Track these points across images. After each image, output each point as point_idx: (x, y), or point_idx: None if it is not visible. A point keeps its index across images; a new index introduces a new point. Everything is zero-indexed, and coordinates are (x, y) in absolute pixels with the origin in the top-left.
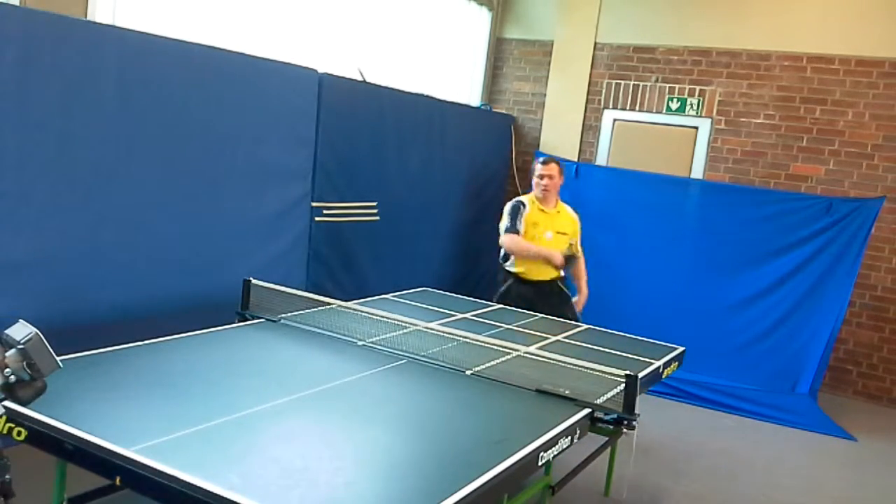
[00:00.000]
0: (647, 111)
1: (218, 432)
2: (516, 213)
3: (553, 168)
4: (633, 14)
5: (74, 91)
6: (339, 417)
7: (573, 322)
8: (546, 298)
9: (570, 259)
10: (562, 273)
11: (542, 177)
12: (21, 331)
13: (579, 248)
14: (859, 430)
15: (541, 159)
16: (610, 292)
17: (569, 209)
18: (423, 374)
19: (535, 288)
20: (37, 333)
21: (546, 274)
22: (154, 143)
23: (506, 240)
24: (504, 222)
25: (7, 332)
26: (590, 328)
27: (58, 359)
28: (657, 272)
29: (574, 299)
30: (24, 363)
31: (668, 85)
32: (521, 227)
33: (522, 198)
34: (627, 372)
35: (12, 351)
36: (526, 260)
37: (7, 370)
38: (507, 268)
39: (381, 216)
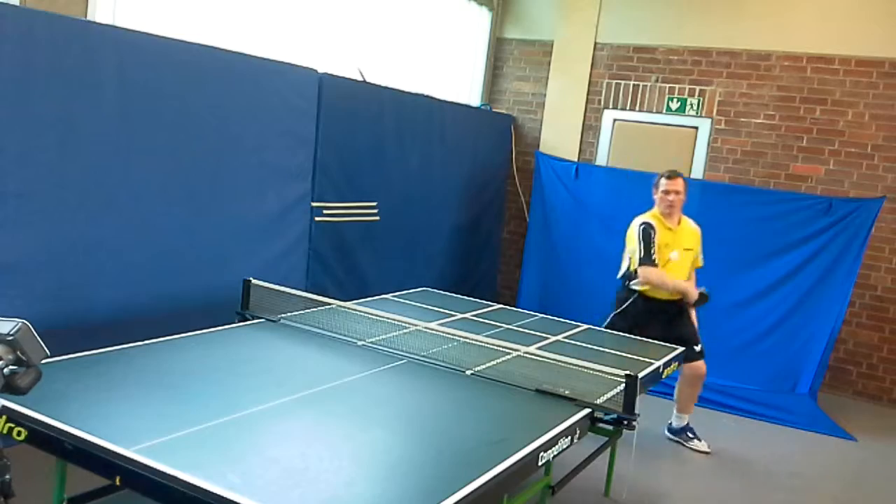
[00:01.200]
0: (647, 111)
1: (218, 432)
2: (649, 239)
3: (680, 183)
4: (633, 14)
5: (74, 91)
6: (339, 417)
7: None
8: (664, 316)
9: (702, 298)
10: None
11: (668, 192)
12: (6, 325)
13: (700, 262)
14: (859, 430)
15: (665, 173)
16: (610, 292)
17: (690, 222)
18: (423, 374)
19: (658, 305)
20: (24, 323)
21: (671, 294)
22: (154, 144)
23: (648, 274)
24: (639, 250)
25: None
26: (590, 328)
27: (44, 345)
28: None
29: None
30: (17, 354)
31: (668, 85)
32: (655, 253)
33: (647, 217)
34: (627, 372)
35: (1, 345)
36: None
37: (0, 362)
38: (632, 286)
39: (381, 216)
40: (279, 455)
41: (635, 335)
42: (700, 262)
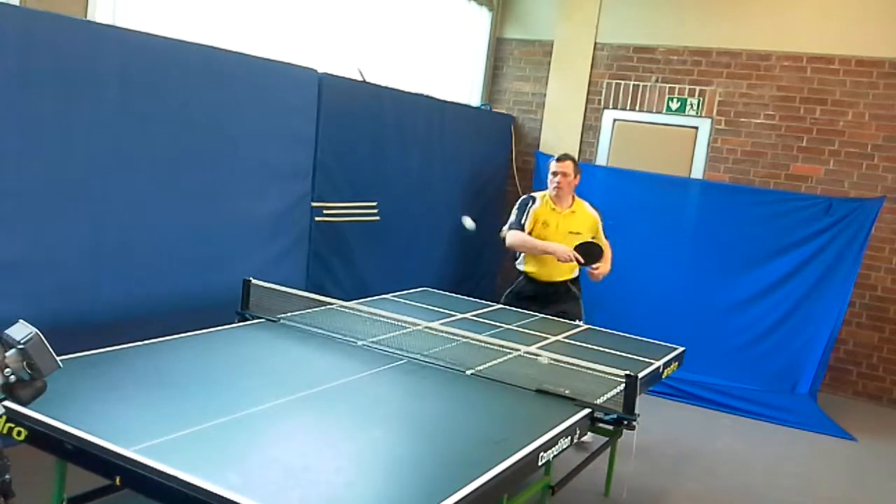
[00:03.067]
0: (647, 111)
1: (218, 432)
2: (524, 207)
3: (568, 165)
4: (633, 14)
5: (74, 91)
6: (339, 417)
7: (573, 323)
8: (552, 297)
9: (587, 251)
10: (575, 273)
11: (555, 174)
12: (21, 331)
13: (605, 243)
14: (859, 430)
15: (556, 156)
16: (610, 292)
17: (587, 206)
18: (424, 374)
19: (543, 288)
20: (37, 333)
21: (558, 275)
22: (154, 144)
23: (508, 236)
24: (511, 218)
25: (7, 332)
26: (590, 328)
27: (58, 358)
28: (657, 272)
29: (594, 268)
30: (25, 363)
31: (668, 85)
32: (527, 221)
33: (536, 194)
34: (627, 372)
35: (12, 351)
36: (534, 257)
37: (7, 370)
38: (517, 266)
39: (381, 216)
40: (279, 455)
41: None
42: (605, 243)
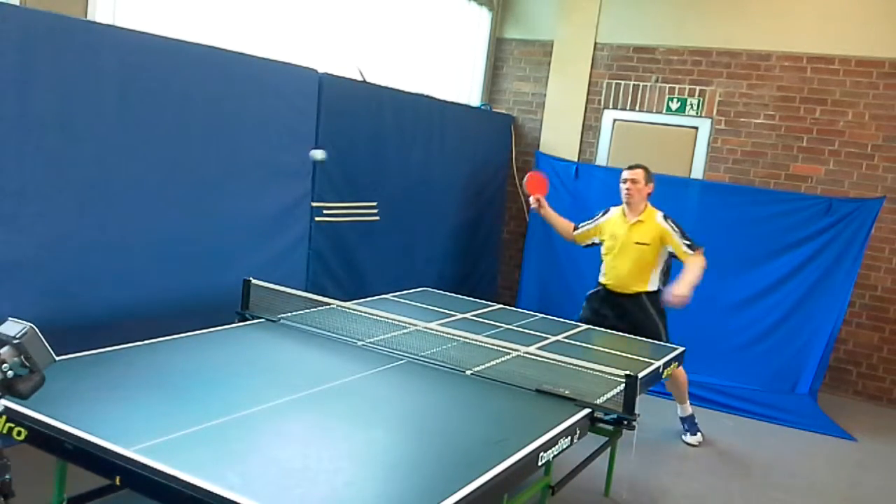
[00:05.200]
0: (647, 111)
1: (218, 432)
2: (594, 216)
3: (637, 173)
4: (633, 14)
5: (74, 91)
6: (339, 417)
7: (652, 340)
8: (619, 308)
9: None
10: (652, 287)
11: (624, 181)
12: (14, 327)
13: (686, 254)
14: (859, 431)
15: (628, 165)
16: None
17: (659, 217)
18: (423, 375)
19: (615, 297)
20: (31, 327)
21: (628, 287)
22: (154, 143)
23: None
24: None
25: (0, 329)
26: (589, 328)
27: (52, 351)
28: None
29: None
30: (21, 357)
31: (668, 85)
32: (586, 227)
33: (613, 207)
34: (627, 372)
35: (7, 347)
36: (611, 272)
37: (4, 365)
38: (598, 279)
39: (381, 216)
40: (279, 455)
41: (601, 318)
42: (686, 254)
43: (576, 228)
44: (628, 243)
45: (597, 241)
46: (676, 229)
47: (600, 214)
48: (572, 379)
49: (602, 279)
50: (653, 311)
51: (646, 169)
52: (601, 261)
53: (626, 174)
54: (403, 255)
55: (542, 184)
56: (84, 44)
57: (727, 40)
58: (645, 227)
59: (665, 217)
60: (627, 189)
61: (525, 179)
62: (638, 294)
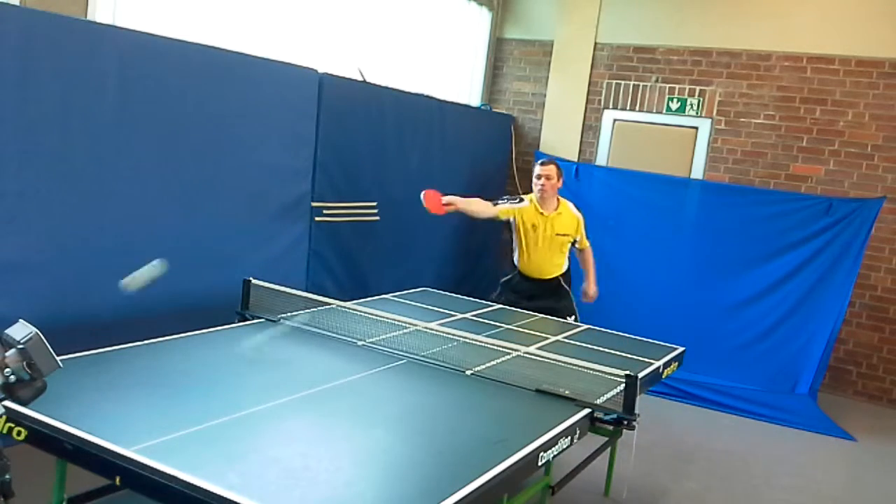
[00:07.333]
0: (647, 111)
1: (218, 432)
2: (512, 199)
3: (551, 169)
4: (633, 14)
5: (74, 91)
6: (339, 417)
7: (566, 321)
8: (537, 290)
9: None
10: (564, 269)
11: (539, 177)
12: (21, 330)
13: (585, 243)
14: (859, 431)
15: (540, 160)
16: (610, 292)
17: (571, 207)
18: (423, 375)
19: (533, 282)
20: (37, 333)
21: (548, 273)
22: (154, 144)
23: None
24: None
25: (7, 331)
26: (590, 328)
27: (58, 358)
28: (657, 272)
29: (583, 287)
30: (25, 363)
31: (668, 85)
32: (508, 205)
33: (525, 196)
34: (627, 372)
35: (12, 351)
36: (525, 256)
37: (7, 370)
38: (513, 261)
39: (381, 216)
40: (279, 455)
41: (521, 306)
42: (585, 245)
43: (496, 204)
44: (550, 235)
45: (512, 220)
46: (583, 219)
47: (517, 200)
48: (572, 379)
49: (519, 266)
50: (567, 289)
51: (557, 164)
52: (515, 249)
53: (539, 170)
54: (403, 255)
55: (435, 198)
56: (84, 44)
57: (727, 40)
58: (563, 218)
59: (576, 207)
60: (542, 185)
61: (424, 202)
62: (555, 278)
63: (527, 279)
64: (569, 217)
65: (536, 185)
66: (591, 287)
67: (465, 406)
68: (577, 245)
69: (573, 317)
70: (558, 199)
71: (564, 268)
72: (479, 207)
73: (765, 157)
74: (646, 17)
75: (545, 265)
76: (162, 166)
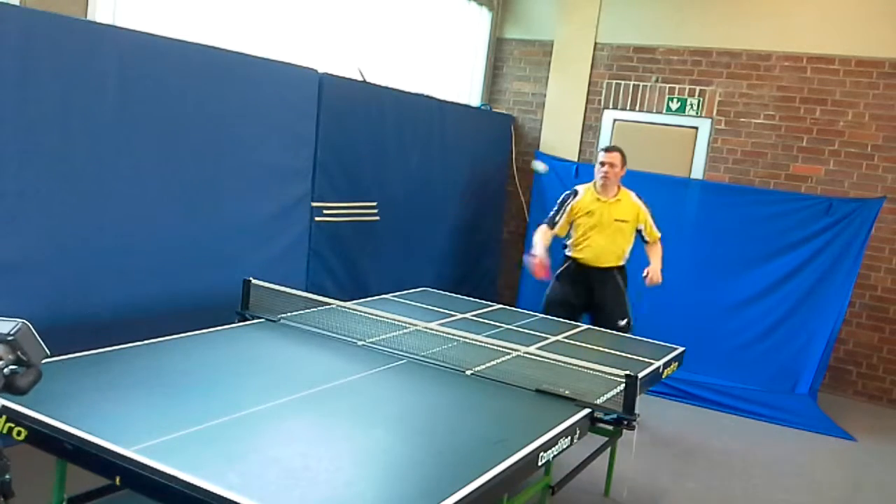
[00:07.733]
0: (647, 111)
1: (218, 432)
2: (563, 203)
3: (615, 157)
4: (633, 14)
5: (74, 91)
6: (339, 417)
7: (608, 313)
8: (588, 282)
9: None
10: (623, 261)
11: (602, 164)
12: (6, 325)
13: (655, 234)
14: (859, 431)
15: (603, 147)
16: None
17: (633, 196)
18: (423, 375)
19: (586, 271)
20: (24, 323)
21: (603, 262)
22: (154, 143)
23: (536, 232)
24: (550, 211)
25: None
26: (590, 328)
27: (45, 345)
28: None
29: (644, 273)
30: (17, 354)
31: (668, 85)
32: (562, 218)
33: (579, 187)
34: (627, 372)
35: (1, 345)
36: (583, 243)
37: (0, 362)
38: (566, 252)
39: (381, 216)
40: (279, 455)
41: (570, 299)
42: (654, 235)
43: (552, 227)
44: (608, 220)
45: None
46: (649, 210)
47: (570, 198)
48: (572, 379)
49: (573, 253)
50: (623, 286)
51: (622, 152)
52: (571, 236)
53: (603, 157)
54: (403, 255)
55: (541, 267)
56: (84, 44)
57: (727, 40)
58: (623, 205)
59: (638, 196)
60: (605, 172)
61: (534, 270)
62: (610, 269)
63: (581, 267)
64: (628, 204)
65: (599, 171)
66: (656, 273)
67: (465, 406)
68: (644, 236)
69: (626, 320)
70: (619, 187)
71: (623, 260)
72: (547, 240)
73: (765, 157)
74: (646, 17)
75: (601, 252)
76: (162, 166)
